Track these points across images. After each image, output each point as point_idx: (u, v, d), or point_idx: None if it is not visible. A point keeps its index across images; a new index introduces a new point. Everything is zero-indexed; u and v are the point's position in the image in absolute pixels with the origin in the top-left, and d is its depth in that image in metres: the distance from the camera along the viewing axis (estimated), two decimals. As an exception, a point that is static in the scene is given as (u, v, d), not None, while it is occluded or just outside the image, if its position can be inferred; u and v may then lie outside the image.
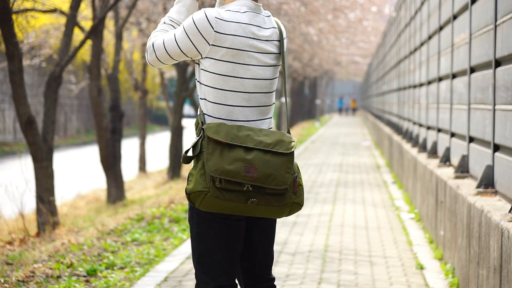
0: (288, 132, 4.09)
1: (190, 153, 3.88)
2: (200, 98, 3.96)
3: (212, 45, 3.87)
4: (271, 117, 4.05)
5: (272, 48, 3.98)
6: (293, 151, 3.86)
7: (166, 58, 3.96)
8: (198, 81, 3.97)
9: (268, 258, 4.09)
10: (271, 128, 4.04)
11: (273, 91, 4.04)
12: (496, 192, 6.08)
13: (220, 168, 3.74)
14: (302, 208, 11.48)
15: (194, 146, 3.86)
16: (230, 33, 3.87)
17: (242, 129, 3.84)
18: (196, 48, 3.89)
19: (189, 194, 3.79)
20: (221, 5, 4.04)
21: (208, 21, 3.86)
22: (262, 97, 3.97)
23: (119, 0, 12.47)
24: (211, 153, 3.78)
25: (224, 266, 3.93)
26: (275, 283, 4.13)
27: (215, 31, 3.86)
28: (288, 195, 3.85)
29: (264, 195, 3.80)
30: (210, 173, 3.74)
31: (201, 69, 3.93)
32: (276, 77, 4.03)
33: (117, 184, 15.87)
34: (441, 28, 9.49)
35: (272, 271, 7.14)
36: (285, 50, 4.04)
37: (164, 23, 4.09)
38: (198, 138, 3.86)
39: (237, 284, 4.03)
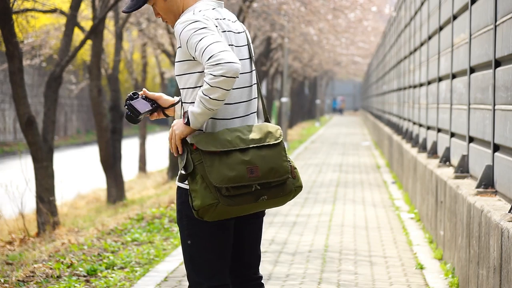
0: (267, 120, 4.07)
1: (188, 170, 3.78)
2: (190, 103, 3.85)
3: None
4: (255, 112, 4.03)
5: (244, 41, 3.98)
6: (282, 139, 3.87)
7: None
8: (191, 88, 3.86)
9: (255, 257, 4.09)
10: (255, 123, 4.02)
11: (254, 85, 4.00)
12: (496, 192, 6.08)
13: (225, 177, 3.72)
14: (302, 208, 11.56)
15: (186, 164, 3.79)
16: (223, 30, 3.88)
17: (229, 133, 3.81)
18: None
19: (197, 211, 3.74)
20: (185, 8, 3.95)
21: (208, 19, 3.82)
22: (246, 91, 3.95)
23: (119, 0, 12.47)
24: (210, 165, 3.74)
25: (216, 266, 3.92)
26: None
27: (215, 26, 3.85)
28: (289, 182, 3.87)
29: (270, 189, 3.81)
30: (217, 184, 3.70)
31: (198, 72, 3.83)
32: (253, 70, 4.00)
33: (117, 184, 15.88)
34: (441, 28, 9.48)
35: (271, 271, 7.14)
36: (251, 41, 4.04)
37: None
38: (185, 154, 3.79)
39: (229, 284, 4.02)
